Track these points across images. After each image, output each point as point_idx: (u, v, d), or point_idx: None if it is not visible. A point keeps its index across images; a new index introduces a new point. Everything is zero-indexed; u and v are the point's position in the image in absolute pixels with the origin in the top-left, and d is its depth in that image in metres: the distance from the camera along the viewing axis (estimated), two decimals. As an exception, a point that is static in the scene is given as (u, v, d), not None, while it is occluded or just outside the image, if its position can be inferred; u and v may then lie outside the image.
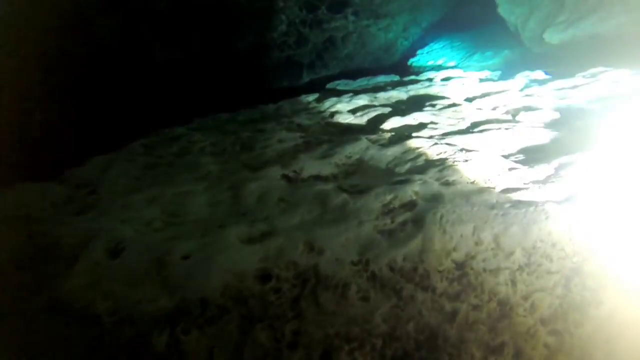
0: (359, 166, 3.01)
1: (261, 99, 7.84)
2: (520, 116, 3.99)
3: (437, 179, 2.57)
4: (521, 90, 5.24)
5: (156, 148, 4.41)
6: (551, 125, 3.61)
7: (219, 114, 6.69)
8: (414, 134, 3.62)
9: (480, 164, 2.69)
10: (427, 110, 4.52)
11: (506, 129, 3.44)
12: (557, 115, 3.84)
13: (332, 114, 5.29)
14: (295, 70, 12.02)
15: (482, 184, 2.48)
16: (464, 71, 7.87)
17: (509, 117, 4.06)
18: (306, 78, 12.36)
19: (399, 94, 6.25)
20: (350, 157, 3.17)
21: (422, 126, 3.93)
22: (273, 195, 2.66)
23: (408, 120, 4.24)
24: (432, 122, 4.03)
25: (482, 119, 4.04)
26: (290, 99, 7.10)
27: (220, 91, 8.80)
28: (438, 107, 4.71)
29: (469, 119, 4.06)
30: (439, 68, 10.50)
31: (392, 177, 2.70)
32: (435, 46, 13.37)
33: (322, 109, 5.75)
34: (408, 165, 2.82)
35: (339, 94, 6.71)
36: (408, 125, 4.04)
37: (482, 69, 9.85)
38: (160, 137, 4.94)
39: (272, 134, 4.19)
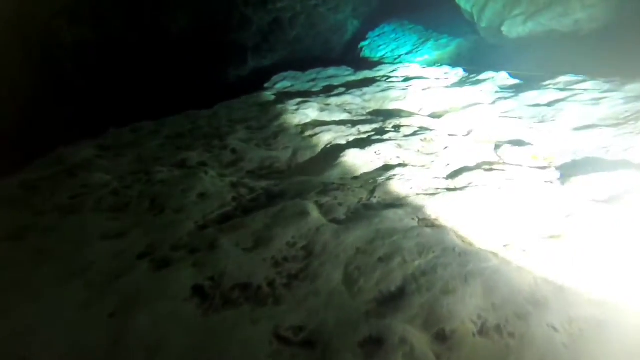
0: (305, 265, 1.97)
1: (196, 98, 6.52)
2: (507, 154, 3.06)
3: (427, 326, 1.57)
4: (493, 103, 4.31)
5: (37, 193, 3.14)
6: (559, 175, 2.70)
7: (142, 121, 5.36)
8: (379, 197, 2.59)
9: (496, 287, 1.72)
10: (390, 139, 3.49)
11: (498, 187, 2.48)
12: (553, 158, 2.94)
13: (276, 134, 4.16)
14: (239, 56, 10.59)
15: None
16: (421, 66, 6.86)
17: (494, 155, 3.12)
18: (252, 63, 10.96)
19: (353, 100, 5.18)
20: (294, 244, 2.12)
21: (388, 171, 2.91)
22: (171, 349, 1.58)
23: (369, 157, 3.20)
24: (400, 165, 3.01)
25: (460, 157, 3.08)
26: (228, 101, 5.85)
27: (147, 86, 7.34)
28: (403, 131, 3.69)
29: (444, 157, 3.08)
30: (392, 58, 9.45)
31: (356, 306, 1.68)
32: (386, 28, 12.25)
33: (265, 123, 4.60)
34: (376, 279, 1.80)
35: (285, 97, 5.54)
36: (370, 171, 3.01)
37: (436, 62, 8.92)
38: (50, 168, 3.65)
39: (194, 178, 3.03)
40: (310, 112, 4.74)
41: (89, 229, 2.56)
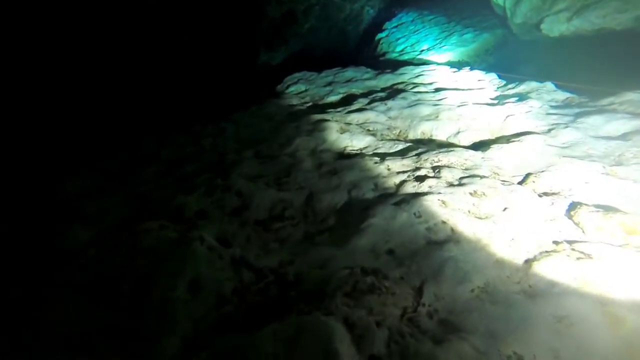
0: None
1: (200, 110, 5.74)
2: (587, 221, 2.24)
3: None
4: (548, 132, 3.47)
5: None
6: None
7: (143, 139, 4.64)
8: (429, 305, 1.83)
9: None
10: (431, 190, 2.70)
11: (601, 304, 1.70)
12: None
13: (289, 169, 3.39)
14: (251, 50, 9.72)
15: None
16: (450, 69, 5.96)
17: (569, 223, 2.31)
18: (263, 57, 10.10)
19: (377, 117, 4.36)
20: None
21: (435, 251, 2.14)
22: None
23: (406, 221, 2.43)
24: (449, 240, 2.23)
25: (526, 226, 2.28)
26: (235, 113, 5.07)
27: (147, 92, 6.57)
28: (444, 175, 2.89)
29: (505, 226, 2.29)
30: (413, 54, 8.51)
31: None
32: (404, 19, 11.22)
33: (276, 148, 3.84)
34: None
35: (300, 111, 4.74)
36: (411, 248, 2.23)
37: (461, 60, 7.96)
38: None
39: (187, 250, 2.30)
40: (328, 135, 3.96)
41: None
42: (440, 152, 3.26)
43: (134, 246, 2.46)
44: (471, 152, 3.27)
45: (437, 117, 4.15)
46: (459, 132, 3.82)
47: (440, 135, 3.88)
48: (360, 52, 10.85)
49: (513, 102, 4.19)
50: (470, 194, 2.61)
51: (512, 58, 7.00)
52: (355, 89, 5.68)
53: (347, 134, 3.99)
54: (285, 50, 10.38)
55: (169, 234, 2.54)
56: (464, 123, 3.92)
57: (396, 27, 10.76)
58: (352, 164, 3.28)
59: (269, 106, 5.28)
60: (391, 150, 3.59)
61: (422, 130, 4.03)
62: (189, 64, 8.03)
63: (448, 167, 3.02)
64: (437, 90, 4.95)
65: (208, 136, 4.44)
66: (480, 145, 3.45)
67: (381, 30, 10.98)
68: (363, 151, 3.70)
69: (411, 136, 4.03)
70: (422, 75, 5.80)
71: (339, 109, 4.71)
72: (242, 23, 9.48)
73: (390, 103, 4.58)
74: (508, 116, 3.82)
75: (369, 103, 4.74)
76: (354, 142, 3.85)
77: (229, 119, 4.97)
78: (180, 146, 4.27)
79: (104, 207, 3.07)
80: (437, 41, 8.75)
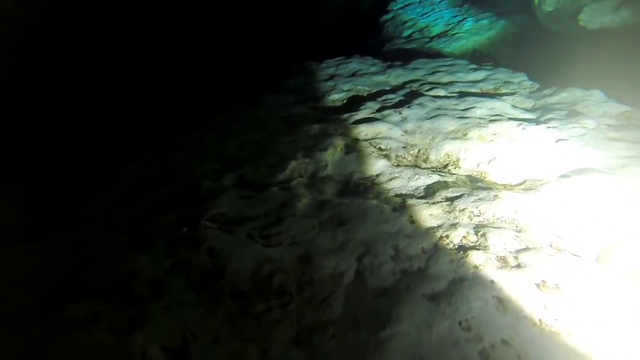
0: None
1: (181, 108, 4.71)
2: None
3: None
4: (613, 172, 2.56)
5: None
6: None
7: (96, 150, 3.71)
8: None
9: None
10: (477, 272, 1.82)
11: None
12: None
13: (280, 213, 2.48)
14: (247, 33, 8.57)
15: None
16: (470, 68, 4.94)
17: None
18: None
19: (390, 131, 3.41)
20: None
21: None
22: None
23: (448, 334, 1.56)
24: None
25: (624, 347, 1.43)
26: (221, 115, 4.10)
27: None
28: (492, 241, 2.00)
29: (595, 353, 1.43)
30: (422, 41, 7.41)
31: None
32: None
33: (265, 174, 2.92)
34: None
35: (296, 116, 3.78)
36: None
37: (477, 46, 6.90)
38: None
39: None
40: (330, 155, 3.03)
41: None
42: (479, 200, 2.34)
43: None
44: (520, 198, 2.35)
45: (465, 135, 3.21)
46: (494, 159, 2.90)
47: (471, 162, 2.96)
48: (363, 35, 9.70)
49: (558, 119, 3.24)
50: (537, 285, 1.72)
51: (535, 51, 5.98)
52: (362, 86, 4.68)
53: (354, 155, 3.05)
54: (289, 37, 9.21)
55: (101, 336, 1.65)
56: (501, 146, 2.99)
57: (402, 8, 9.57)
58: (363, 210, 2.37)
59: (261, 105, 4.29)
60: (411, 185, 2.67)
61: (447, 151, 3.10)
62: (175, 47, 6.92)
63: (495, 227, 2.12)
64: (461, 95, 3.97)
65: (183, 148, 3.48)
66: (528, 188, 2.53)
67: (386, 12, 9.79)
68: (375, 182, 2.78)
69: (433, 158, 3.10)
70: (438, 72, 4.79)
71: (343, 116, 3.74)
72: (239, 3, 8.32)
73: (405, 112, 3.62)
74: (558, 140, 2.88)
75: (379, 110, 3.77)
76: (363, 168, 2.92)
77: (212, 122, 3.99)
78: (147, 162, 3.32)
79: (16, 271, 2.16)
80: (449, 27, 7.65)
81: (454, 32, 7.30)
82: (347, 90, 4.62)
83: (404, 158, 3.10)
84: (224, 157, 3.33)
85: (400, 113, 3.62)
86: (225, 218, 2.46)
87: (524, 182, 2.63)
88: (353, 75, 5.13)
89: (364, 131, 3.40)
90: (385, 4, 10.47)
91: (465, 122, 3.35)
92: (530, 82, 4.31)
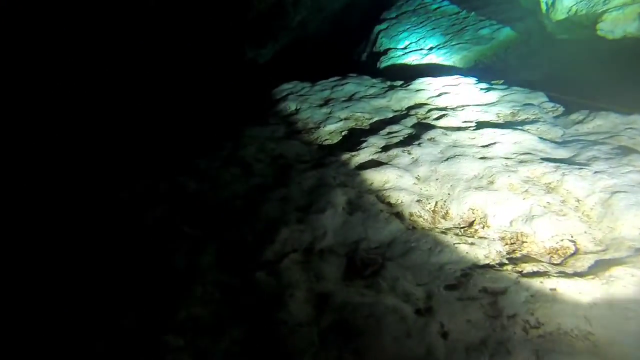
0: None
1: (158, 145, 4.01)
2: None
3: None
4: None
5: None
6: None
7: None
8: None
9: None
10: None
11: None
12: None
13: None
14: (235, 47, 7.89)
15: None
16: (477, 85, 4.28)
17: None
18: (250, 54, 8.26)
19: (400, 179, 2.74)
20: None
21: None
22: None
23: None
24: None
25: None
26: (203, 157, 3.42)
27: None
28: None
29: None
30: (420, 53, 6.74)
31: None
32: (405, 7, 9.34)
33: (248, 261, 2.25)
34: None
35: (285, 169, 3.11)
36: None
37: (479, 56, 6.24)
38: None
39: None
40: (330, 219, 2.36)
41: None
42: (533, 297, 1.67)
43: None
44: (584, 288, 1.69)
45: (492, 182, 2.54)
46: (532, 218, 2.23)
47: (502, 219, 2.29)
48: (357, 47, 9.03)
49: (604, 159, 2.58)
50: None
51: (545, 62, 5.32)
52: (360, 112, 4.02)
53: (359, 216, 2.39)
54: (274, 46, 8.54)
55: None
56: (538, 198, 2.33)
57: (396, 17, 8.90)
58: (377, 315, 1.71)
59: (248, 143, 3.62)
60: (434, 263, 2.00)
61: (471, 205, 2.43)
62: (155, 72, 6.25)
63: (562, 353, 1.45)
64: (477, 126, 3.30)
65: (156, 205, 2.81)
66: (593, 267, 1.86)
67: (379, 21, 9.13)
68: (387, 257, 2.11)
69: (454, 214, 2.44)
70: (445, 93, 4.13)
71: (342, 157, 3.07)
72: (225, 18, 7.63)
73: (415, 151, 2.95)
74: (614, 193, 2.22)
75: (384, 149, 3.11)
76: (371, 233, 2.26)
77: (192, 166, 3.31)
78: (103, 228, 2.64)
79: None
80: (448, 37, 6.98)
81: (453, 43, 6.64)
82: (345, 119, 3.96)
83: (420, 216, 2.44)
84: (203, 217, 2.66)
85: (409, 153, 2.95)
86: (197, 327, 1.79)
87: (581, 257, 1.96)
88: (350, 98, 4.46)
89: (368, 180, 2.73)
90: (379, 13, 9.81)
91: (489, 164, 2.69)
92: (552, 104, 3.65)
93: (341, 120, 3.94)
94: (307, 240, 2.27)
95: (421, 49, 6.88)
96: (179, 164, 3.37)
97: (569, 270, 1.90)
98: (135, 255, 2.33)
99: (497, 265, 1.97)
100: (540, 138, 2.99)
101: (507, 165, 2.65)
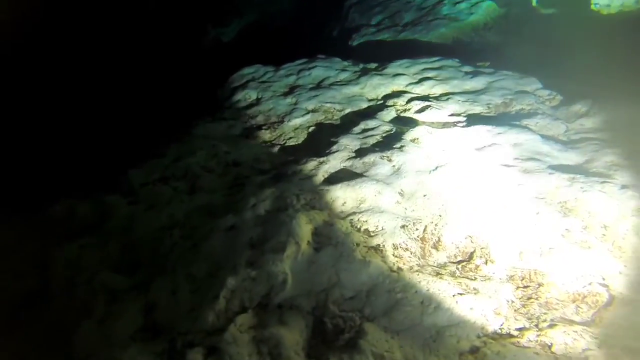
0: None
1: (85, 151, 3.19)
2: None
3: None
4: None
5: None
6: None
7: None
8: None
9: None
10: None
11: None
12: None
13: None
14: (195, 24, 6.93)
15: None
16: (462, 70, 3.65)
17: None
18: (212, 33, 7.32)
19: (380, 198, 2.13)
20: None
21: None
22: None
23: None
24: None
25: None
26: (139, 165, 2.69)
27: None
28: None
29: None
30: (394, 30, 6.01)
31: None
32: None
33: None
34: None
35: (238, 184, 2.43)
36: None
37: (457, 33, 5.58)
38: None
39: None
40: (290, 260, 1.73)
41: None
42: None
43: None
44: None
45: (492, 199, 1.97)
46: (548, 250, 1.68)
47: (510, 251, 1.74)
48: (327, 22, 8.17)
49: (626, 166, 2.04)
50: None
51: (529, 39, 4.73)
52: (330, 103, 3.35)
53: (329, 254, 1.77)
54: (239, 24, 7.60)
55: None
56: (553, 223, 1.77)
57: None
58: None
59: (198, 146, 2.90)
60: (428, 326, 1.43)
61: (469, 232, 1.87)
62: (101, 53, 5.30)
63: None
64: (468, 121, 2.70)
65: (78, 237, 2.10)
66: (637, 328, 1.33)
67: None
68: (367, 316, 1.53)
69: (449, 243, 1.87)
70: (426, 79, 3.49)
71: (308, 165, 2.42)
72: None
73: (397, 157, 2.33)
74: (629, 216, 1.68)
75: (358, 153, 2.47)
76: (345, 279, 1.66)
77: (125, 179, 2.58)
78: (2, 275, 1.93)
79: None
80: (424, 11, 6.27)
81: (430, 19, 5.94)
82: (313, 111, 3.29)
83: (406, 249, 1.84)
84: (131, 255, 1.98)
85: (389, 160, 2.33)
86: None
87: (619, 311, 1.42)
88: (318, 85, 3.77)
89: (340, 198, 2.10)
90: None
91: (487, 175, 2.11)
92: (547, 92, 3.08)
93: (308, 112, 3.27)
94: (261, 292, 1.65)
95: (395, 25, 6.16)
96: (110, 176, 2.64)
97: (606, 333, 1.36)
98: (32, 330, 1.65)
99: (514, 331, 1.41)
100: (543, 137, 2.42)
101: (509, 177, 2.08)
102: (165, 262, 1.88)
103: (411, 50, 5.00)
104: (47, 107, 4.04)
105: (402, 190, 2.13)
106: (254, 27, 7.91)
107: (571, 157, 2.20)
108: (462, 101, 3.04)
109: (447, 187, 2.09)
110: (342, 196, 2.10)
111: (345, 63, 4.17)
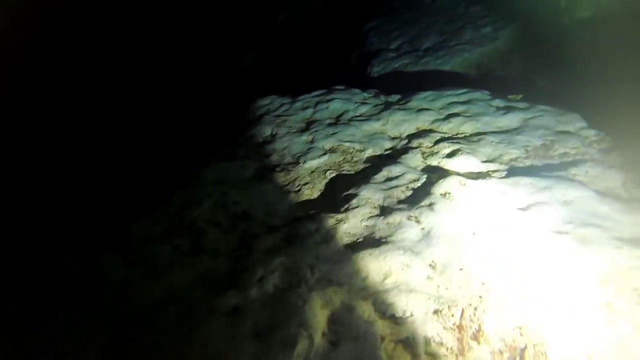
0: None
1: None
2: None
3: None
4: None
5: None
6: None
7: None
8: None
9: None
10: None
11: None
12: None
13: None
14: (214, 50, 6.88)
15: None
16: (491, 99, 3.30)
17: None
18: (231, 58, 7.28)
19: (407, 272, 1.78)
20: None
21: None
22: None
23: None
24: None
25: None
26: (137, 219, 2.42)
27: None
28: None
29: None
30: (414, 56, 5.70)
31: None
32: (396, 2, 8.26)
33: None
34: None
35: (245, 252, 2.12)
36: None
37: (483, 59, 5.21)
38: None
39: None
40: (300, 358, 1.39)
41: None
42: None
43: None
44: None
45: (546, 280, 1.59)
46: None
47: (573, 357, 1.34)
48: (345, 46, 7.95)
49: None
50: None
51: (563, 64, 4.31)
52: (349, 142, 3.05)
53: (349, 349, 1.44)
54: (256, 49, 7.46)
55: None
56: (630, 323, 1.37)
57: (387, 14, 7.82)
58: None
59: (206, 193, 2.63)
60: None
61: (519, 322, 1.49)
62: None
63: None
64: (507, 170, 2.33)
65: (51, 318, 1.83)
66: None
67: (369, 18, 8.04)
68: None
69: (492, 334, 1.51)
70: (454, 115, 3.15)
71: (325, 225, 2.10)
72: (202, 20, 6.55)
73: (426, 218, 1.98)
74: None
75: (382, 211, 2.14)
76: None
77: (124, 234, 2.32)
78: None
79: None
80: (445, 35, 5.95)
81: (452, 43, 5.61)
82: (330, 151, 2.99)
83: (440, 343, 1.49)
84: (119, 342, 1.69)
85: (417, 221, 1.98)
86: None
87: None
88: (337, 121, 3.48)
89: (361, 271, 1.76)
90: (369, 8, 8.71)
91: (537, 246, 1.73)
92: (594, 132, 2.68)
93: (325, 153, 2.97)
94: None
95: (416, 50, 5.85)
96: (109, 229, 2.38)
97: None
98: None
99: None
100: (597, 193, 2.03)
101: (564, 248, 1.70)
102: (154, 354, 1.57)
103: (434, 78, 4.69)
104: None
105: (433, 262, 1.78)
106: (273, 51, 7.76)
107: (638, 222, 1.81)
108: (496, 142, 2.68)
109: (488, 259, 1.73)
110: (364, 269, 1.77)
111: (365, 95, 3.87)
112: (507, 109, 3.10)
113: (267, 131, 3.51)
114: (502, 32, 5.40)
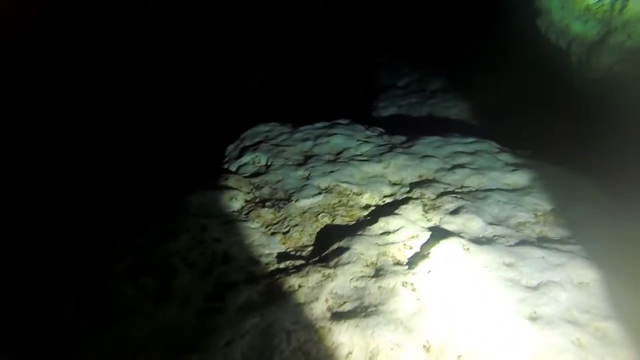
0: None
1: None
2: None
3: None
4: None
5: None
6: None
7: None
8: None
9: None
10: None
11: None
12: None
13: None
14: (222, 69, 6.79)
15: None
16: (501, 152, 3.10)
17: None
18: (236, 77, 7.16)
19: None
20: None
21: None
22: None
23: None
24: None
25: None
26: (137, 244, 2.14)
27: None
28: None
29: None
30: (422, 94, 5.57)
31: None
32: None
33: None
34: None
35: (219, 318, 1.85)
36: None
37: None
38: None
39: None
40: None
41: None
42: None
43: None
44: None
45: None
46: None
47: None
48: (353, 78, 7.88)
49: None
50: None
51: (576, 118, 4.16)
52: (347, 184, 2.83)
53: None
54: (264, 70, 7.35)
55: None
56: None
57: (397, 49, 7.80)
58: None
59: (183, 227, 2.38)
60: None
61: None
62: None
63: None
64: (514, 237, 2.11)
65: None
66: None
67: (379, 52, 8.02)
68: None
69: None
70: (459, 166, 2.95)
71: (310, 280, 1.85)
72: (213, 38, 6.46)
73: (424, 286, 1.74)
74: None
75: (376, 271, 1.89)
76: None
77: (83, 267, 2.05)
78: None
79: None
80: (452, 79, 5.86)
81: (458, 86, 5.50)
82: (326, 190, 2.77)
83: None
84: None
85: (413, 289, 1.74)
86: None
87: None
88: (336, 158, 3.27)
89: (345, 346, 1.54)
90: (380, 41, 8.72)
91: (547, 335, 1.48)
92: (608, 202, 2.47)
93: (320, 192, 2.75)
94: None
95: (423, 90, 5.74)
96: (68, 257, 2.12)
97: None
98: None
99: None
100: (618, 276, 1.80)
101: (576, 344, 1.45)
102: None
103: (440, 122, 4.54)
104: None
105: (428, 343, 1.52)
106: (282, 73, 7.67)
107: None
108: (503, 202, 2.46)
109: (492, 345, 1.48)
110: (348, 343, 1.51)
111: (369, 132, 3.69)
112: (515, 166, 2.91)
113: (262, 160, 3.31)
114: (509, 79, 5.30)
